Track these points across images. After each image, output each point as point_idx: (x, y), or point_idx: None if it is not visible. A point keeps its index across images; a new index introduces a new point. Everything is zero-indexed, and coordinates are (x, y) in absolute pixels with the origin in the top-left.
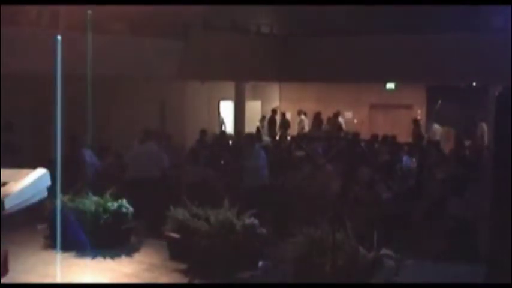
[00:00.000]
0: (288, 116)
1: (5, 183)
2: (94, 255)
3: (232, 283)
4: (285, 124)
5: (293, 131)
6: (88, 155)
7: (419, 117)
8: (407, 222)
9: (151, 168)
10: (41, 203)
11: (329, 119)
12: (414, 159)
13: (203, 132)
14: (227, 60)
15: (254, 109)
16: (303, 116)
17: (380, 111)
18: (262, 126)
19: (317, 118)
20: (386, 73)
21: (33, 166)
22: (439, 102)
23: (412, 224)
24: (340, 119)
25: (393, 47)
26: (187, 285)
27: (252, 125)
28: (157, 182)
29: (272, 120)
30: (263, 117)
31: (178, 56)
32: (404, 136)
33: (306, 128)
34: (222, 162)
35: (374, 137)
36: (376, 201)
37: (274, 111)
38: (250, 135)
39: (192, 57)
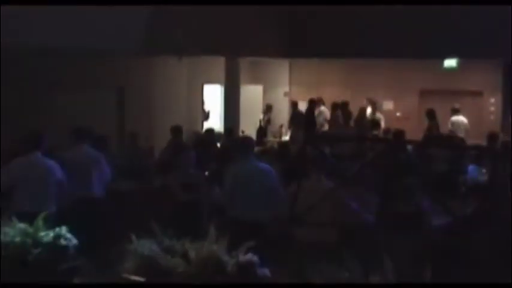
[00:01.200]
0: (301, 106)
1: None
2: None
3: (231, 283)
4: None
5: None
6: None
7: (493, 108)
8: (472, 258)
9: (89, 183)
10: None
11: (361, 110)
12: (484, 170)
13: (177, 129)
14: (215, 27)
15: (253, 97)
16: (322, 107)
17: (435, 100)
18: (268, 121)
19: (343, 110)
20: (444, 45)
21: None
22: None
23: (480, 262)
24: (378, 113)
25: (454, 9)
26: (187, 285)
27: (250, 118)
28: (104, 201)
29: (305, 116)
30: (268, 108)
31: (145, 21)
32: (471, 136)
33: (327, 124)
34: (206, 173)
35: (426, 138)
36: (427, 230)
37: (312, 102)
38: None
39: (164, 23)
